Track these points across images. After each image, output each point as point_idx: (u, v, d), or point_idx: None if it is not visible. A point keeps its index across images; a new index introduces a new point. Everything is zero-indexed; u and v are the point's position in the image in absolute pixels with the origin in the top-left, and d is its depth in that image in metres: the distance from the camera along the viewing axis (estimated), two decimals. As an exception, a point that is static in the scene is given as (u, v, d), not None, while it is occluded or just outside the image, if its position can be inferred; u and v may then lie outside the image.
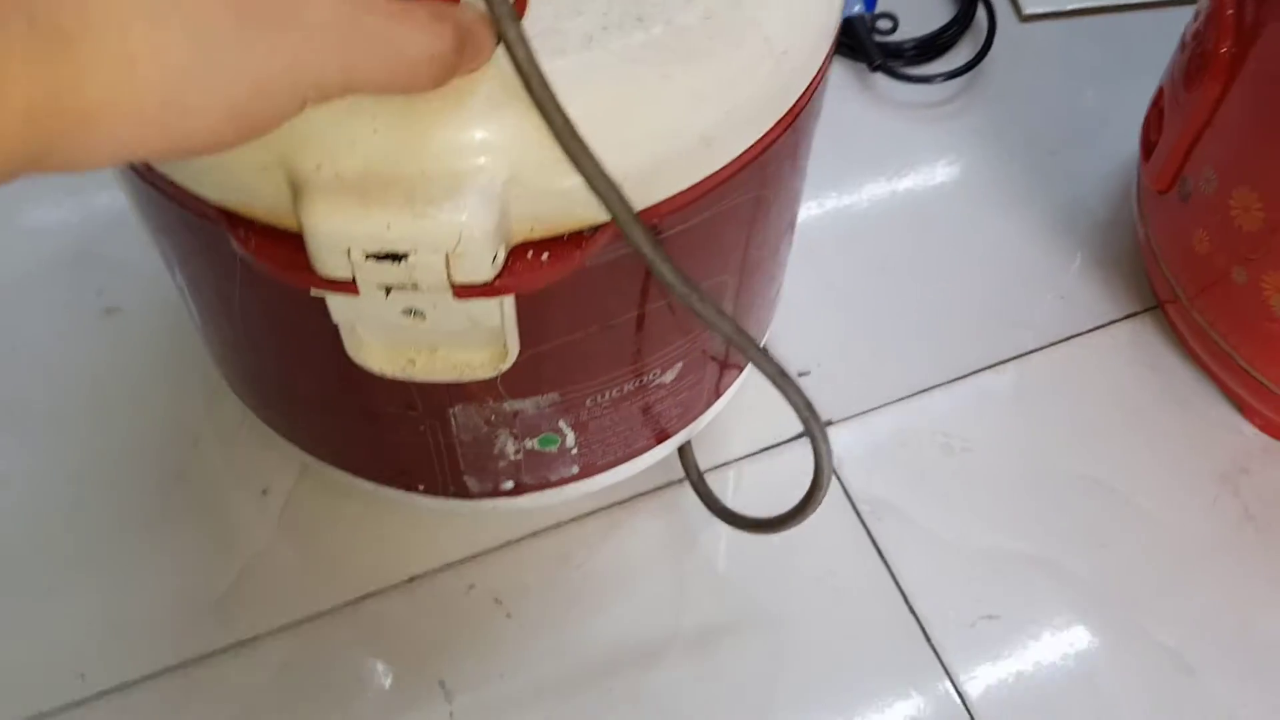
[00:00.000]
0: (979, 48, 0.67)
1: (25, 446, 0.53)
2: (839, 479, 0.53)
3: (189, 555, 0.50)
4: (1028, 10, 0.69)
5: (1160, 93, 0.55)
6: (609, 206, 0.30)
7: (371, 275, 0.31)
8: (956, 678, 0.48)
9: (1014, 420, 0.55)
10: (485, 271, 0.31)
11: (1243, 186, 0.48)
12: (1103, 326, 0.58)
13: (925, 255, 0.61)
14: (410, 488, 0.46)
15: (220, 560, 0.50)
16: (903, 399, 0.55)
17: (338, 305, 0.34)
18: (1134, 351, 0.57)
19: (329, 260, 0.31)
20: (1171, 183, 0.52)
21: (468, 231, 0.30)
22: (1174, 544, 0.52)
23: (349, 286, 0.32)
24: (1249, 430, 0.55)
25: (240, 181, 0.32)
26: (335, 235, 0.30)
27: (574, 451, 0.44)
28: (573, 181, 0.30)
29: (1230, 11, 0.48)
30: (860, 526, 0.52)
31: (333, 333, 0.36)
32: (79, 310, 0.57)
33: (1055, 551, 0.52)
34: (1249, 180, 0.47)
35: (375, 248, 0.30)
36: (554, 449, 0.43)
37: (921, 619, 0.50)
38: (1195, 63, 0.50)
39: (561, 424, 0.42)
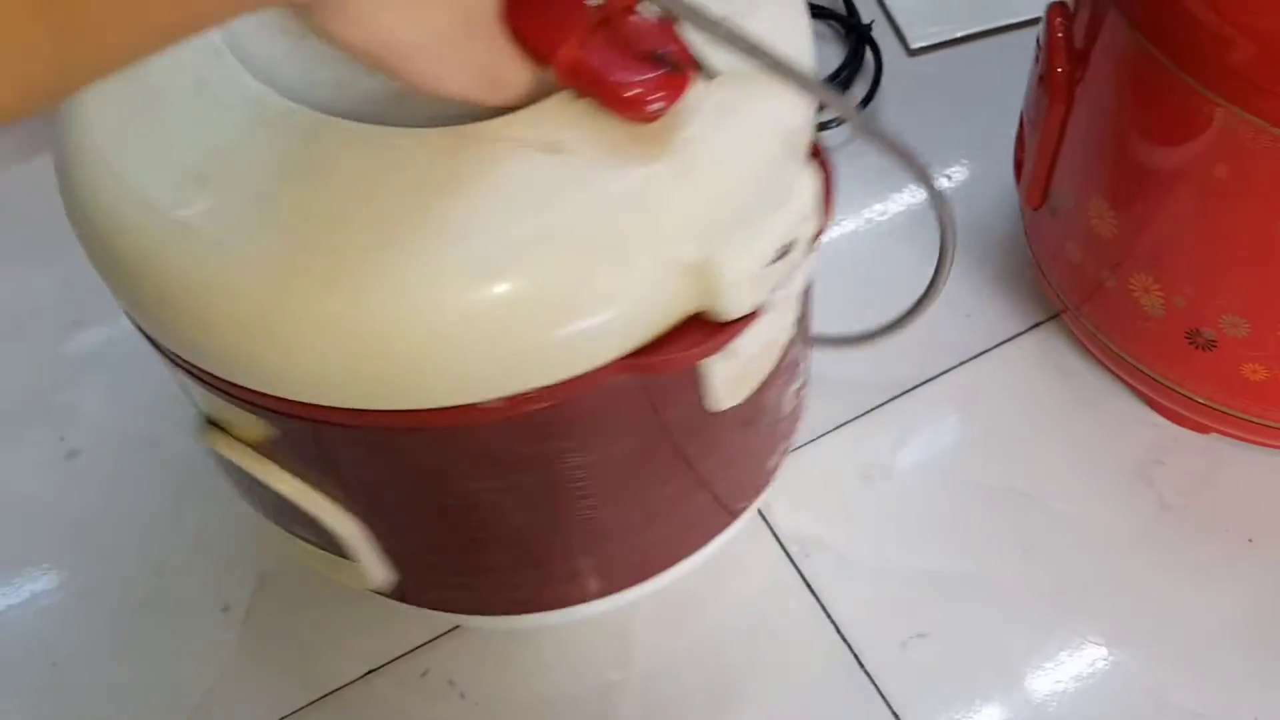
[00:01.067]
0: (869, 87, 0.70)
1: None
2: (764, 519, 0.55)
3: (158, 679, 0.53)
4: (915, 45, 0.72)
5: (1022, 114, 0.57)
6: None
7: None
8: (891, 700, 0.50)
9: (932, 442, 0.57)
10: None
11: (1095, 197, 0.50)
12: (1010, 339, 0.60)
13: (830, 291, 0.63)
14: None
15: (188, 680, 0.53)
16: (822, 435, 0.58)
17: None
18: (1042, 360, 0.59)
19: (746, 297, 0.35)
20: (1041, 199, 0.54)
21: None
22: (1095, 543, 0.54)
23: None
24: (1160, 422, 0.57)
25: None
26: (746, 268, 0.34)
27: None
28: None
29: (1060, 34, 0.50)
30: (789, 565, 0.54)
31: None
32: (45, 454, 0.60)
33: (980, 565, 0.54)
34: (1099, 191, 0.50)
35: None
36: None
37: (854, 647, 0.52)
38: (1040, 85, 0.52)
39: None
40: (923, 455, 0.57)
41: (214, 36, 0.36)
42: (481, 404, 0.35)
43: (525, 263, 0.33)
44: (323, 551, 0.45)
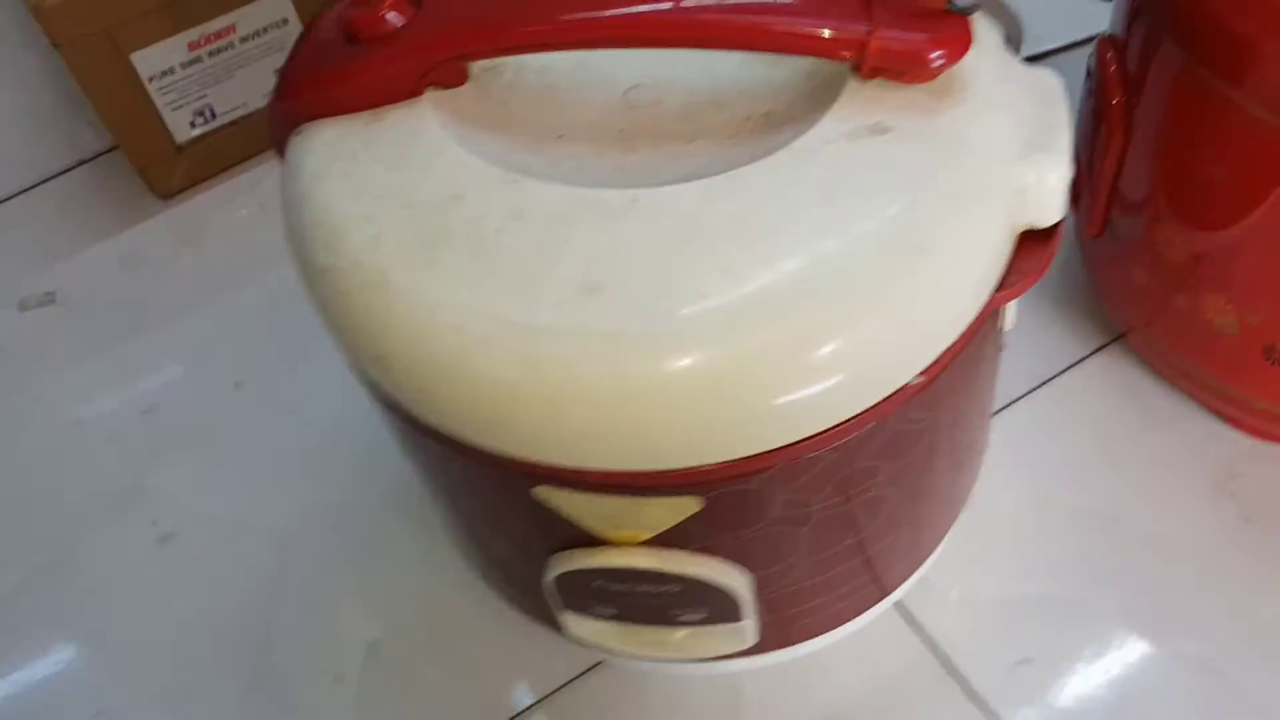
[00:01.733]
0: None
1: (109, 673, 0.57)
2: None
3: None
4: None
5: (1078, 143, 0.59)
6: None
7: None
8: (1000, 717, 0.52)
9: (1011, 470, 0.58)
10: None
11: (1161, 223, 0.52)
12: (1076, 364, 0.62)
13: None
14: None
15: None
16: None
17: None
18: (1110, 382, 0.61)
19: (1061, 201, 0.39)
20: (1101, 228, 0.56)
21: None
22: (1182, 558, 0.55)
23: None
24: (1233, 435, 0.58)
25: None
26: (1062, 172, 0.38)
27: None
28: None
29: (1113, 67, 0.52)
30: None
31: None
32: (138, 539, 0.61)
33: (1073, 589, 0.55)
34: (1165, 216, 0.51)
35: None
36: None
37: (962, 677, 0.53)
38: (1095, 117, 0.54)
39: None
40: (1003, 483, 0.58)
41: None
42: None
43: (941, 231, 0.36)
44: (699, 627, 0.45)
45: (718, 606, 0.44)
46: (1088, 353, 0.62)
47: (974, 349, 0.40)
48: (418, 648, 0.56)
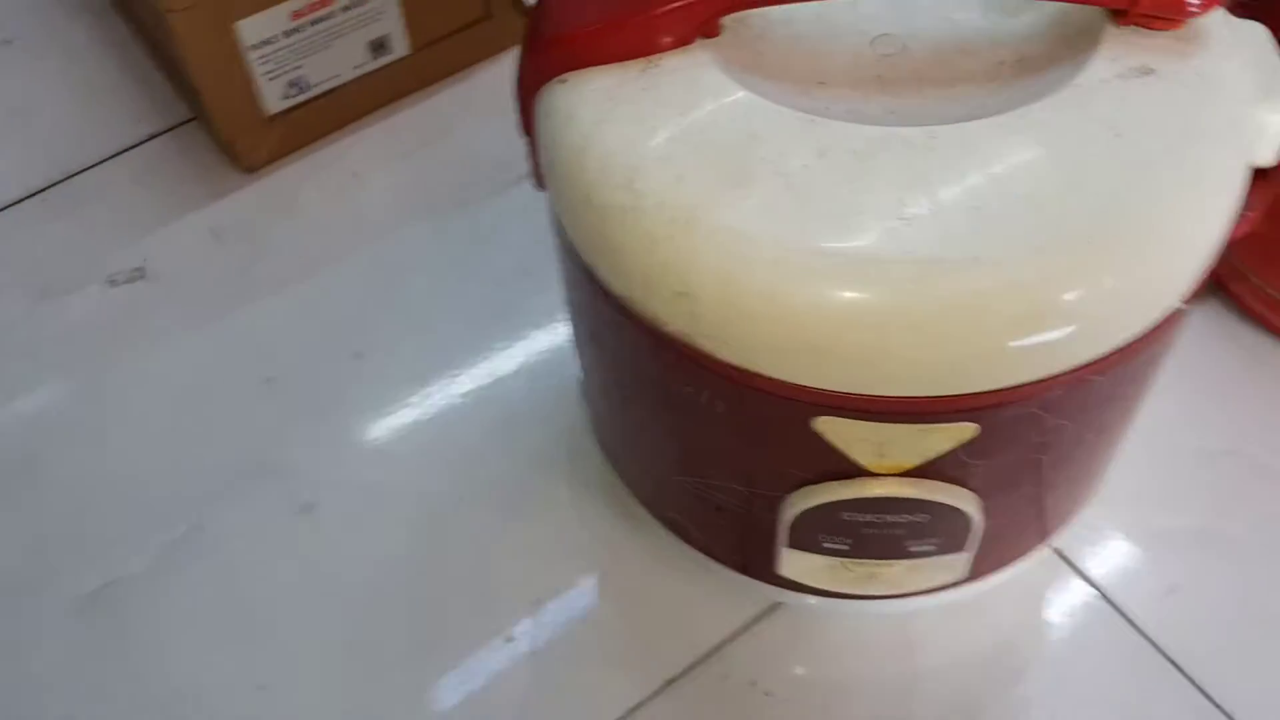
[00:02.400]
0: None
1: (266, 648, 0.57)
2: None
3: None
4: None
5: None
6: None
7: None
8: (1163, 647, 0.55)
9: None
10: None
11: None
12: (1178, 316, 0.66)
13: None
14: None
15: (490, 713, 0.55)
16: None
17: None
18: (1213, 330, 0.65)
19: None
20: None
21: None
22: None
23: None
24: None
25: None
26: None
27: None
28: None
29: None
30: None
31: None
32: (280, 512, 0.61)
33: (1207, 519, 0.58)
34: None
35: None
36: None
37: (1114, 601, 0.56)
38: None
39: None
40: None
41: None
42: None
43: (1211, 165, 0.39)
44: (921, 560, 0.48)
45: (952, 536, 0.46)
46: (1188, 304, 0.66)
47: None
48: (585, 603, 0.57)
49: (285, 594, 0.58)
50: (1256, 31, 0.44)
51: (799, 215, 0.38)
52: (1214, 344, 0.64)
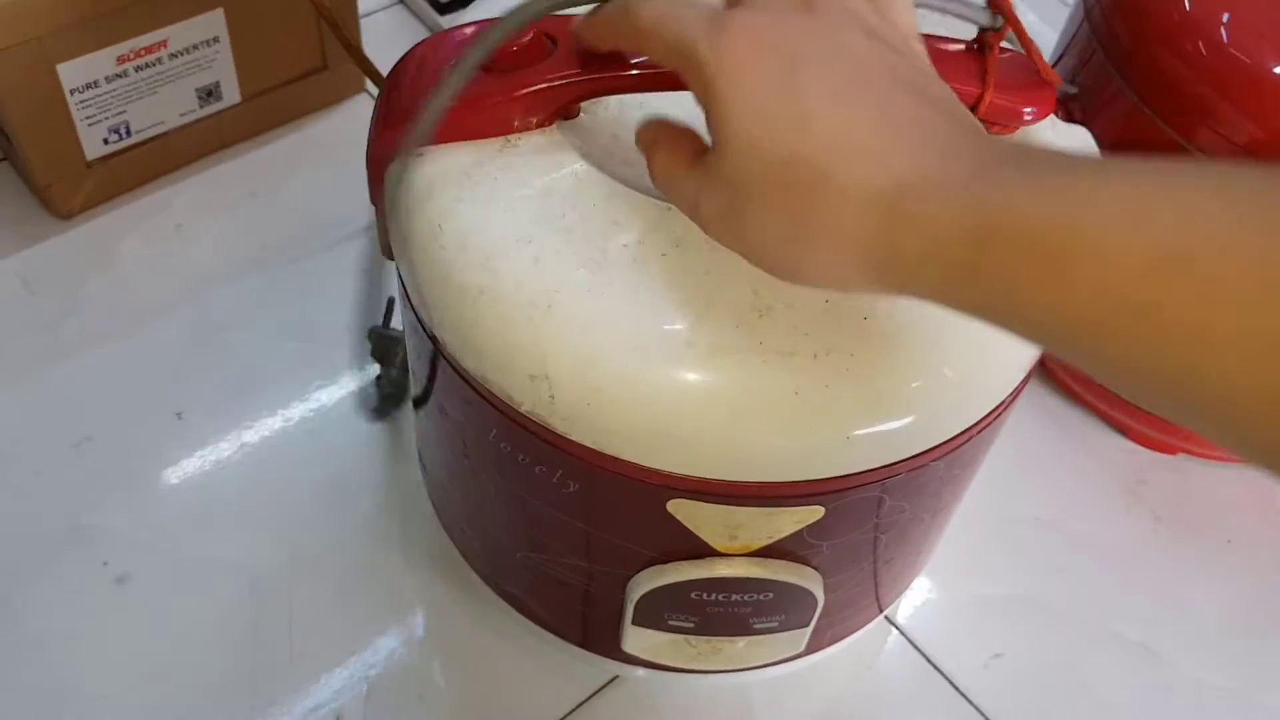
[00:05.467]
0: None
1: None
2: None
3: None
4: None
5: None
6: None
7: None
8: (987, 712, 0.57)
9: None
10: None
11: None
12: (996, 388, 0.69)
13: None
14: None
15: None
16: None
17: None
18: (1029, 407, 0.68)
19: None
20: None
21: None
22: (1109, 554, 0.63)
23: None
24: (1134, 448, 0.67)
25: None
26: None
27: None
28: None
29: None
30: (870, 606, 0.60)
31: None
32: (92, 582, 0.57)
33: (1028, 587, 0.61)
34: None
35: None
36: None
37: (943, 670, 0.58)
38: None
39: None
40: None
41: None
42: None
43: None
44: (764, 636, 0.48)
45: (795, 613, 0.47)
46: (1005, 378, 0.69)
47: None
48: (418, 678, 0.56)
49: (99, 671, 0.55)
50: (1081, 136, 0.47)
51: (656, 303, 0.38)
52: (1030, 418, 0.68)
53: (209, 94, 0.71)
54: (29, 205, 0.70)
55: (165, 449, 0.62)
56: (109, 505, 0.60)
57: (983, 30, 0.42)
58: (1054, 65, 0.67)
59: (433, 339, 0.42)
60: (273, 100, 0.74)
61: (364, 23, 0.78)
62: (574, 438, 0.39)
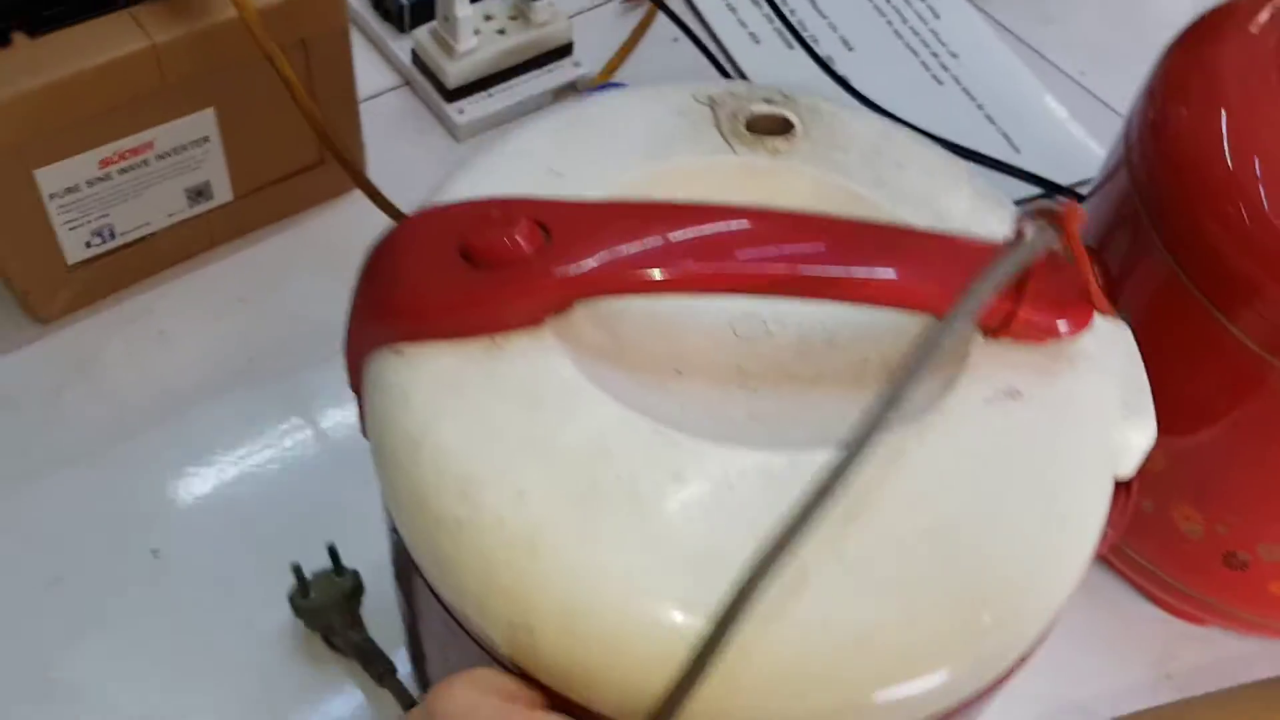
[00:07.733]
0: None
1: None
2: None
3: None
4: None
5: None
6: None
7: None
8: None
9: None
10: None
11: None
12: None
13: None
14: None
15: None
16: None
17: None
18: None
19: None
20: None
21: None
22: None
23: None
24: (1163, 616, 0.62)
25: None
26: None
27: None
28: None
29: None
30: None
31: None
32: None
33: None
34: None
35: None
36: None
37: None
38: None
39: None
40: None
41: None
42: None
43: (1077, 498, 0.38)
44: None
45: None
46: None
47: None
48: None
49: None
50: (1123, 336, 0.43)
51: (652, 550, 0.34)
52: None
53: (199, 194, 0.67)
54: (6, 308, 0.67)
55: (139, 592, 0.58)
56: (83, 655, 0.56)
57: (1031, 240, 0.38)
58: (1086, 199, 0.63)
59: (412, 563, 0.38)
60: (266, 197, 0.71)
61: (367, 105, 0.75)
62: (558, 690, 0.36)
